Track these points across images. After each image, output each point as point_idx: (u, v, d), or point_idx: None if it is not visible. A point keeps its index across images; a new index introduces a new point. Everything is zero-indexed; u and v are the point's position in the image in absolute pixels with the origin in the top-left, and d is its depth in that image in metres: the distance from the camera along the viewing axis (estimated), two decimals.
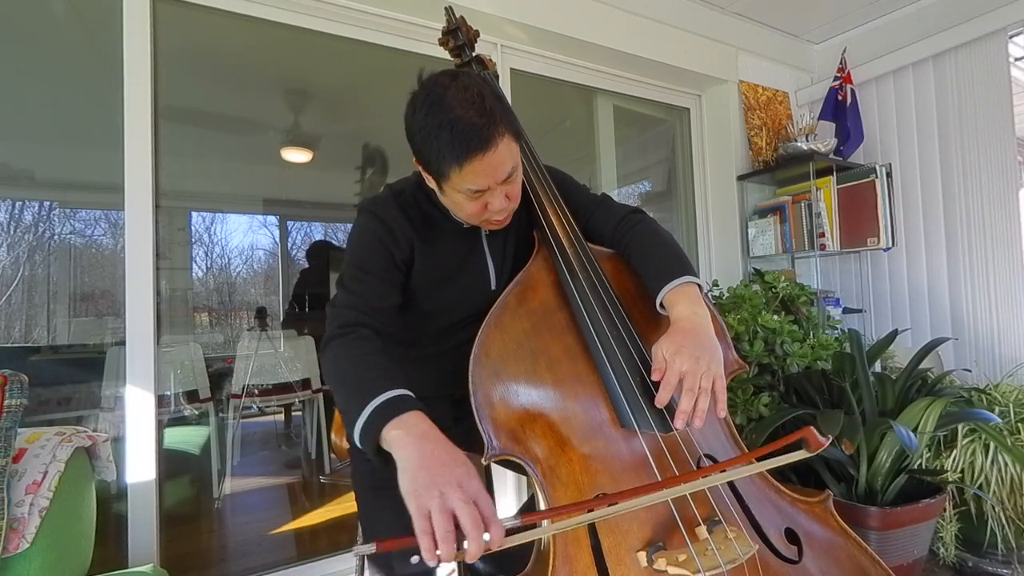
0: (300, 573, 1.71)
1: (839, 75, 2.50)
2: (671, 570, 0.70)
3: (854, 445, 1.35)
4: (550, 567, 0.71)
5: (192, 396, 2.56)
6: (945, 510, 1.59)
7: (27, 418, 1.04)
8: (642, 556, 0.72)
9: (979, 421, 1.52)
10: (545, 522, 0.68)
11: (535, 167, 1.08)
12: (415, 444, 0.68)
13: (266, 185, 4.04)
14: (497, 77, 1.31)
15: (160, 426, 1.49)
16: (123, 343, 1.46)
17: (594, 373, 0.87)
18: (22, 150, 2.85)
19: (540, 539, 0.77)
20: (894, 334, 1.74)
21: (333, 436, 1.41)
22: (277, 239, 4.64)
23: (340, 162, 3.71)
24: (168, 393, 2.45)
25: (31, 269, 3.44)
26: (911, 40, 2.39)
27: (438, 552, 0.59)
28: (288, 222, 4.62)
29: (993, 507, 1.56)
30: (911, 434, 1.31)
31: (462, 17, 1.27)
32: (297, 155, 3.37)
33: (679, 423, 0.76)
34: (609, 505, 0.68)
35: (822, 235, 2.40)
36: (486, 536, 0.60)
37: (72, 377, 2.45)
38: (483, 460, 0.81)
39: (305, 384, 2.99)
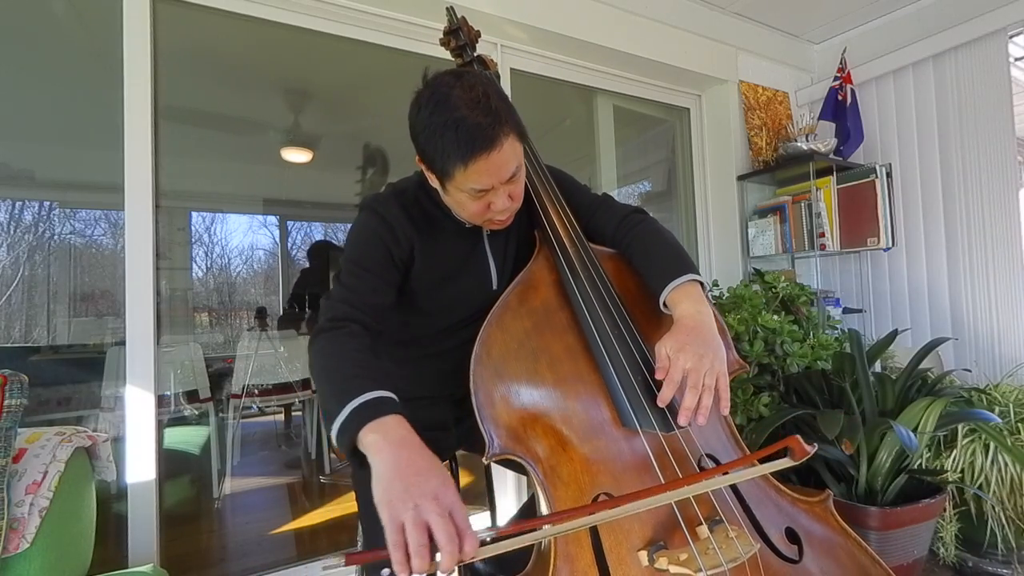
0: (300, 573, 1.71)
1: (839, 75, 2.50)
2: (673, 569, 0.70)
3: (854, 445, 1.35)
4: (551, 566, 0.71)
5: (192, 396, 2.56)
6: (945, 510, 1.59)
7: (27, 418, 1.04)
8: (643, 555, 0.72)
9: (979, 421, 1.52)
10: (546, 525, 0.68)
11: (537, 167, 1.09)
12: (391, 450, 0.66)
13: (266, 185, 4.04)
14: (498, 77, 1.31)
15: (160, 426, 1.49)
16: (123, 343, 1.46)
17: (595, 372, 0.87)
18: (22, 150, 2.85)
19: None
20: (894, 334, 1.74)
21: None
22: (277, 239, 4.64)
23: (340, 162, 3.71)
24: (168, 393, 2.44)
25: (31, 269, 3.44)
26: (911, 40, 2.39)
27: (411, 566, 0.57)
28: (288, 222, 4.61)
29: (993, 507, 1.56)
30: (911, 434, 1.31)
31: (463, 17, 1.27)
32: (297, 155, 3.36)
33: (683, 420, 0.76)
34: (611, 508, 0.68)
35: (822, 235, 2.40)
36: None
37: (72, 377, 2.45)
38: (484, 459, 0.81)
39: (305, 384, 2.99)
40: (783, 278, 1.97)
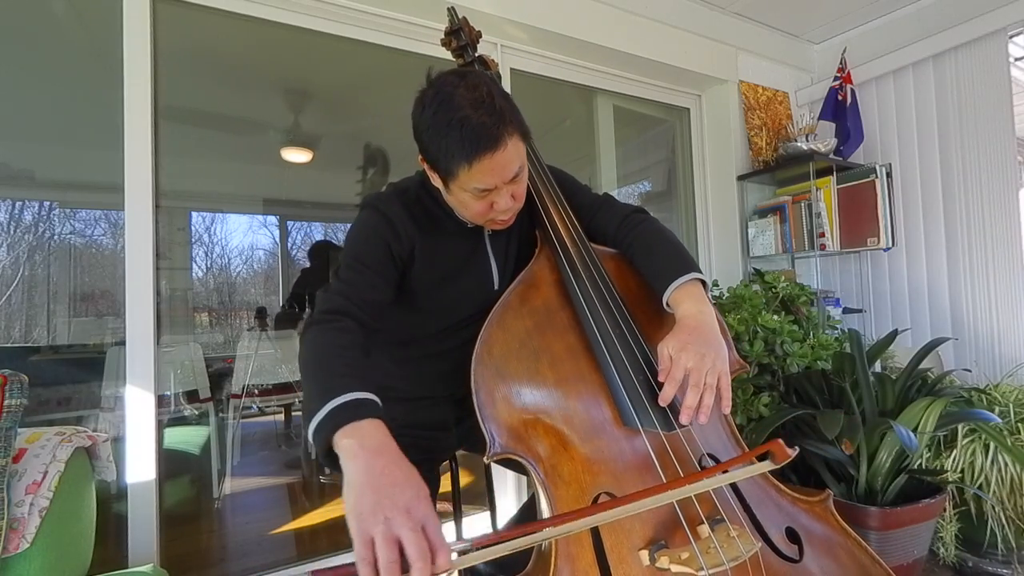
0: (300, 573, 1.71)
1: (839, 75, 2.50)
2: (674, 568, 0.70)
3: (854, 445, 1.35)
4: (551, 566, 0.71)
5: (192, 396, 2.56)
6: (945, 510, 1.59)
7: (27, 418, 1.04)
8: (644, 555, 0.72)
9: (979, 421, 1.52)
10: (547, 528, 0.68)
11: (538, 167, 1.09)
12: (365, 458, 0.63)
13: (266, 185, 4.04)
14: (499, 77, 1.31)
15: (160, 426, 1.49)
16: (123, 343, 1.46)
17: (597, 372, 0.87)
18: (22, 150, 2.85)
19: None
20: (894, 334, 1.74)
21: None
22: (277, 239, 4.63)
23: (340, 162, 3.70)
24: (168, 393, 2.44)
25: (31, 269, 3.43)
26: (911, 40, 2.39)
27: None
28: (288, 222, 4.61)
29: (993, 507, 1.56)
30: (911, 434, 1.31)
31: (464, 18, 1.27)
32: (297, 155, 3.36)
33: (684, 418, 0.77)
34: (614, 509, 0.67)
35: (822, 235, 2.40)
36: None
37: (72, 377, 2.44)
38: (485, 459, 0.81)
39: None
40: (783, 278, 1.97)
